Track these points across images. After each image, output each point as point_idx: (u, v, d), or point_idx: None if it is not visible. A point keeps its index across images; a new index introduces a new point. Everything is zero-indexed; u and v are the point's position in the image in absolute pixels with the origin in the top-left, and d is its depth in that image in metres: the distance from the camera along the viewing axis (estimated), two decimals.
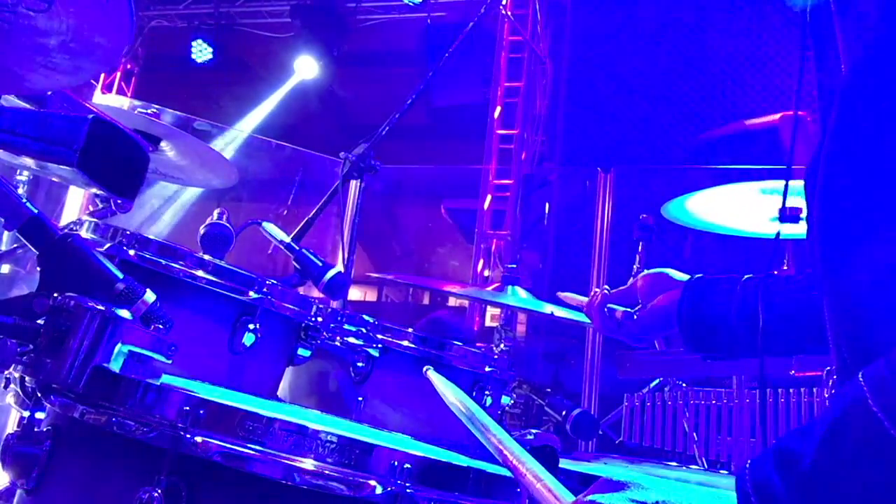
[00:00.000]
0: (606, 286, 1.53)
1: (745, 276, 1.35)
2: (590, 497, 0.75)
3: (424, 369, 1.15)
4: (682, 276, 1.43)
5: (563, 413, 1.96)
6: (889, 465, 0.61)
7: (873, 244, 0.75)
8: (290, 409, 1.57)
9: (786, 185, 1.03)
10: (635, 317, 1.43)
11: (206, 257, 1.64)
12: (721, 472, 2.38)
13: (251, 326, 1.63)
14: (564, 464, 1.46)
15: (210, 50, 7.95)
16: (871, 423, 0.62)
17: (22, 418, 1.13)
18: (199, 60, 7.99)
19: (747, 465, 0.71)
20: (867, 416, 0.63)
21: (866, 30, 0.80)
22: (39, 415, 1.13)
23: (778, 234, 1.38)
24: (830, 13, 0.89)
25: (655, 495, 0.73)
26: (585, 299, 1.58)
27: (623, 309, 1.46)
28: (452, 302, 8.93)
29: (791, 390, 2.67)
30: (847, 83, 0.81)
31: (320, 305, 1.83)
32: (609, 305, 1.48)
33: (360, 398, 1.90)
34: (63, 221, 1.67)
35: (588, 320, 1.59)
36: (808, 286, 1.25)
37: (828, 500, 0.64)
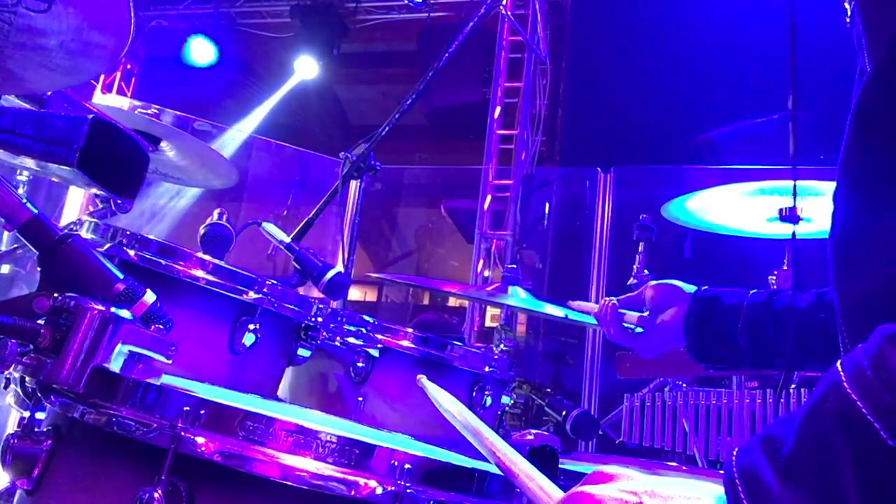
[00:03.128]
0: (613, 298, 1.59)
1: (752, 291, 1.42)
2: (580, 489, 0.76)
3: (418, 378, 1.16)
4: (690, 288, 1.49)
5: (563, 413, 1.96)
6: (863, 445, 0.63)
7: (887, 246, 0.75)
8: (290, 409, 1.57)
9: (794, 187, 1.05)
10: (641, 329, 1.50)
11: (206, 257, 1.64)
12: (721, 472, 2.38)
13: (251, 326, 1.63)
14: (564, 464, 1.46)
15: (212, 49, 7.95)
16: (846, 405, 0.65)
17: (22, 418, 1.13)
18: (199, 61, 7.99)
19: (734, 453, 0.73)
20: (842, 398, 0.65)
21: (887, 32, 0.80)
22: (39, 415, 1.13)
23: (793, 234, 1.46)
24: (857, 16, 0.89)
25: (644, 485, 0.74)
26: (595, 306, 1.64)
27: (636, 314, 1.52)
28: (452, 302, 8.94)
29: (791, 390, 2.67)
30: (865, 89, 0.81)
31: (320, 305, 1.83)
32: (621, 310, 1.54)
33: (360, 398, 1.90)
34: (63, 221, 1.67)
35: (595, 322, 1.64)
36: (814, 305, 1.30)
37: (808, 480, 0.66)
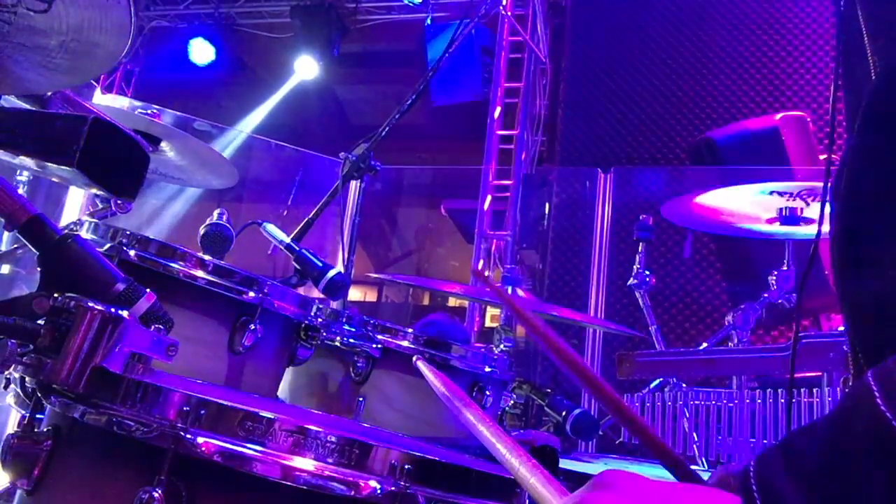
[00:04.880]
0: None
1: None
2: (583, 494, 0.73)
3: (414, 359, 1.15)
4: None
5: (563, 413, 1.96)
6: None
7: (890, 247, 0.73)
8: (290, 409, 1.57)
9: (824, 188, 1.02)
10: None
11: (206, 257, 1.64)
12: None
13: (251, 326, 1.63)
14: (564, 464, 1.46)
15: (212, 50, 7.95)
16: (880, 424, 0.59)
17: (22, 418, 1.13)
18: (199, 61, 7.99)
19: (751, 464, 0.69)
20: (875, 416, 0.60)
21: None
22: (39, 415, 1.13)
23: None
24: (858, 19, 0.87)
25: (650, 496, 0.71)
26: None
27: None
28: (452, 302, 8.94)
29: (791, 390, 2.67)
30: (876, 87, 0.79)
31: (320, 305, 1.83)
32: None
33: (360, 398, 1.90)
34: (63, 221, 1.67)
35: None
36: None
37: (835, 501, 0.62)
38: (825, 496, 0.62)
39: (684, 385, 3.15)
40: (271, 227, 1.99)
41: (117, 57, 1.36)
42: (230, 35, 8.20)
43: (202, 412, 0.99)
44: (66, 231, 1.11)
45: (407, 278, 4.43)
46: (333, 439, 1.01)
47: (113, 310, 1.02)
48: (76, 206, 5.39)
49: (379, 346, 1.90)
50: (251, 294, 1.64)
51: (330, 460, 1.00)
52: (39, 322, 1.01)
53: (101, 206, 2.11)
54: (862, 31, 0.86)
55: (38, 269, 1.08)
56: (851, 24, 0.88)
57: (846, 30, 0.89)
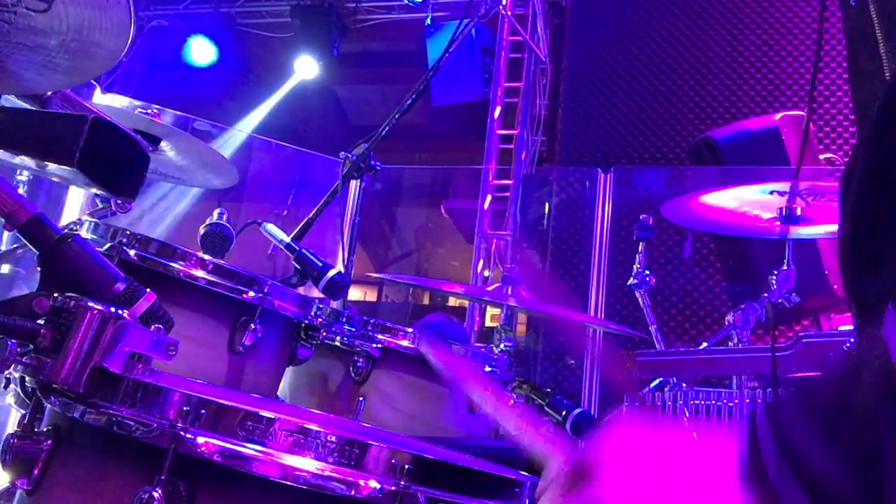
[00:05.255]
0: None
1: None
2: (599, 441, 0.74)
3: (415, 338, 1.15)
4: None
5: (563, 413, 1.96)
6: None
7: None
8: (290, 408, 1.57)
9: (793, 185, 1.03)
10: None
11: (206, 257, 1.64)
12: None
13: (251, 326, 1.63)
14: None
15: (213, 49, 7.95)
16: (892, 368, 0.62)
17: (22, 418, 1.13)
18: (199, 61, 7.99)
19: (758, 407, 0.72)
20: (890, 371, 0.63)
21: None
22: (39, 415, 1.13)
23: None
24: (869, 14, 0.86)
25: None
26: None
27: None
28: (452, 302, 8.94)
29: (791, 390, 2.67)
30: (892, 86, 0.78)
31: (320, 305, 1.83)
32: None
33: (360, 398, 1.90)
34: (63, 221, 1.67)
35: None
36: None
37: (844, 435, 0.64)
38: (836, 427, 0.65)
39: (684, 385, 3.15)
40: (271, 227, 1.99)
41: (117, 57, 1.36)
42: (230, 35, 8.20)
43: (202, 412, 0.99)
44: (66, 231, 1.11)
45: (407, 278, 4.43)
46: (333, 439, 1.01)
47: (113, 310, 1.02)
48: (76, 206, 5.39)
49: (379, 345, 1.90)
50: (251, 294, 1.64)
51: (330, 460, 1.00)
52: (39, 322, 1.01)
53: (101, 206, 2.11)
54: (874, 28, 0.85)
55: (38, 268, 1.08)
56: (861, 22, 0.87)
57: (854, 27, 0.88)
